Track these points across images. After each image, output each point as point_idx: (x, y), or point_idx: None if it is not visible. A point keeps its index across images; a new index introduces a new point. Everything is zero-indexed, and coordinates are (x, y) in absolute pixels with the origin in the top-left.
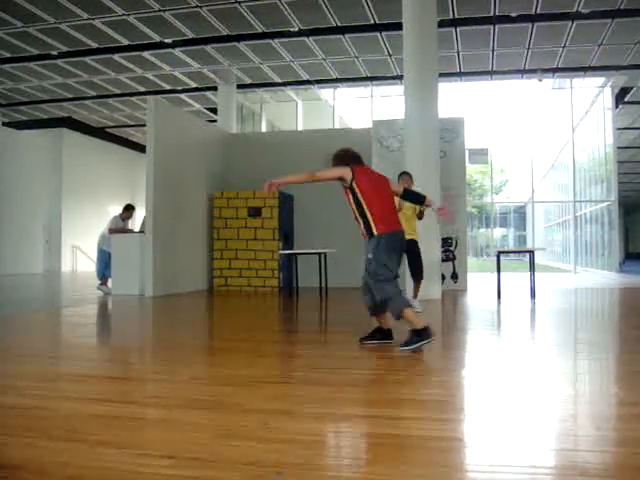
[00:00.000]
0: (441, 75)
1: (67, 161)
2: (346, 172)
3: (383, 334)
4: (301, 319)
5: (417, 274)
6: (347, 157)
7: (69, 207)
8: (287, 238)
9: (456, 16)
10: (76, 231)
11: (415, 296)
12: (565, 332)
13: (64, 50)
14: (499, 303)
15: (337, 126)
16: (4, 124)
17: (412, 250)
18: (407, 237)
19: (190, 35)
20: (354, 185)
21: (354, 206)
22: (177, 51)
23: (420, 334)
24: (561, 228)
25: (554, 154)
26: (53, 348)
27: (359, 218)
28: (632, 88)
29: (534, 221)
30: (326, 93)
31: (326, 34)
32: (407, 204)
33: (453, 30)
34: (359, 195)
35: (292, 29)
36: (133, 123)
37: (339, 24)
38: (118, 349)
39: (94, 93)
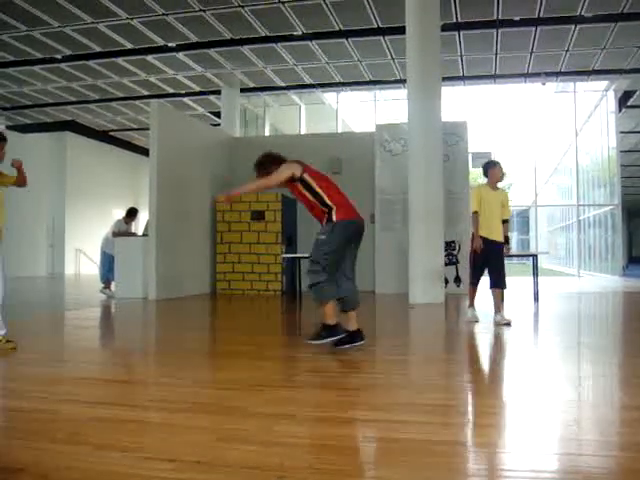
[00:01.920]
0: (444, 79)
1: (71, 164)
2: (295, 167)
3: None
4: (304, 322)
5: (498, 282)
6: (279, 159)
7: (73, 210)
8: (290, 241)
9: (459, 20)
10: (79, 234)
11: (498, 309)
12: (568, 336)
13: (68, 54)
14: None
15: (340, 130)
16: (8, 127)
17: (496, 254)
18: (496, 238)
19: (194, 39)
20: (305, 176)
21: (310, 196)
22: (181, 55)
23: (331, 331)
24: (564, 232)
25: (557, 158)
26: (56, 351)
27: (319, 206)
28: (635, 92)
29: (537, 225)
30: (329, 97)
31: (329, 38)
32: (493, 203)
33: (456, 34)
34: (313, 184)
35: (296, 33)
36: (137, 127)
37: (342, 28)
38: (121, 352)
39: (98, 96)
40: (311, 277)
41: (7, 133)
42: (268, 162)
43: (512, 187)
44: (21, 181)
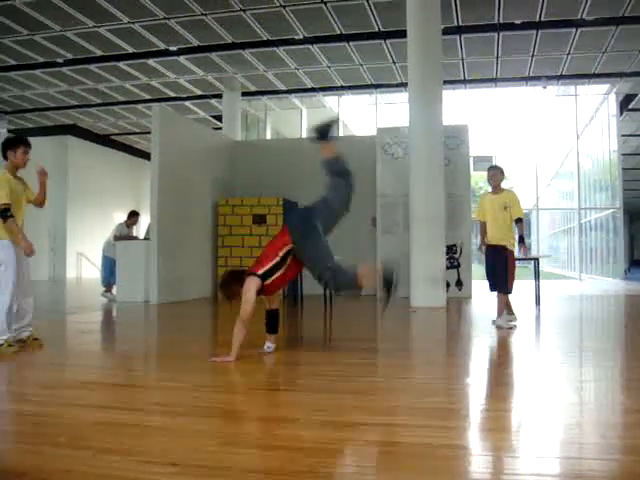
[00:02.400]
0: (445, 82)
1: (72, 168)
2: (252, 281)
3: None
4: (305, 326)
5: (498, 286)
6: (240, 275)
7: (74, 214)
8: None
9: (460, 23)
10: (81, 238)
11: (499, 313)
12: (570, 339)
13: (69, 57)
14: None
15: (341, 134)
16: (10, 131)
17: (496, 258)
18: (496, 243)
19: (195, 43)
20: (261, 273)
21: (282, 270)
22: (182, 59)
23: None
24: (566, 235)
25: (559, 161)
26: (57, 355)
27: (293, 259)
28: (636, 95)
29: (539, 228)
30: (330, 100)
31: (331, 42)
32: (493, 207)
33: (457, 37)
34: (271, 264)
35: (297, 37)
36: (138, 130)
37: (344, 32)
38: (122, 356)
39: (99, 100)
40: (326, 283)
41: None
42: (231, 282)
43: (513, 190)
44: (41, 200)
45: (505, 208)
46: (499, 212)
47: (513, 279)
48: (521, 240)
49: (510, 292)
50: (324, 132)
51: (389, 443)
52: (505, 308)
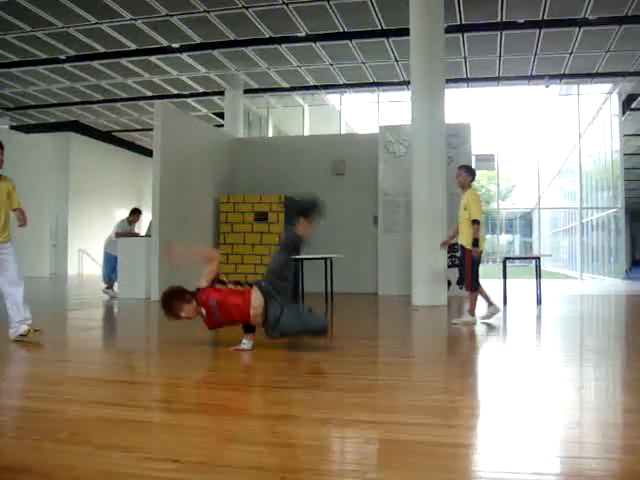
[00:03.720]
0: (448, 81)
1: (74, 165)
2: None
3: None
4: None
5: (461, 282)
6: (179, 294)
7: (76, 211)
8: None
9: (463, 22)
10: (82, 235)
11: (470, 311)
12: (571, 339)
13: (72, 54)
14: (505, 309)
15: (344, 131)
16: (12, 127)
17: (462, 256)
18: (459, 242)
19: (197, 40)
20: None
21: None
22: (184, 56)
23: None
24: (567, 235)
25: (561, 160)
26: (59, 351)
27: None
28: (639, 94)
29: (540, 227)
30: (333, 98)
31: (333, 40)
32: (461, 209)
33: (460, 36)
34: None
35: (299, 34)
36: (140, 127)
37: (346, 30)
38: (123, 353)
39: (101, 97)
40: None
41: (11, 134)
42: (173, 299)
43: (515, 189)
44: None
45: (465, 209)
46: (461, 212)
47: (475, 278)
48: (474, 243)
49: (470, 290)
50: (308, 210)
51: (390, 441)
52: (486, 301)
